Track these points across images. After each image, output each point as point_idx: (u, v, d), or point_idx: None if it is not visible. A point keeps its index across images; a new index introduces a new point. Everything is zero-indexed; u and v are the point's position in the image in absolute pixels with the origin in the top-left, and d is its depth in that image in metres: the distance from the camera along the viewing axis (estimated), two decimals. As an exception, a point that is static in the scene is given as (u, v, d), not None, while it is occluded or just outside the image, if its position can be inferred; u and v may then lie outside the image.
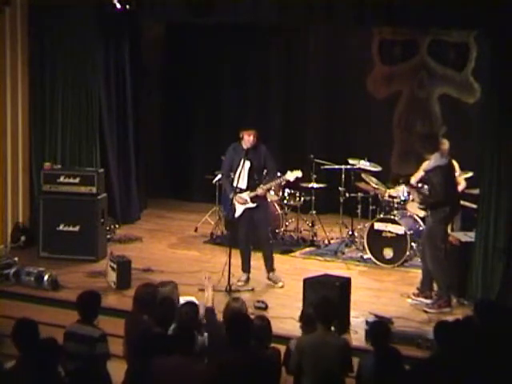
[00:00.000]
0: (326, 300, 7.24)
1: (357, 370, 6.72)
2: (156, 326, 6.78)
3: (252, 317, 6.96)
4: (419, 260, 10.47)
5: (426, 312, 9.34)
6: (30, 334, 6.18)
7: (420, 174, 10.42)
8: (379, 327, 6.96)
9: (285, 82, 14.20)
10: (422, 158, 10.13)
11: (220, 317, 7.25)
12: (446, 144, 11.32)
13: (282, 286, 10.21)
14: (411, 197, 10.80)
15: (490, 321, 6.80)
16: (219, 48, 14.31)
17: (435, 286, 9.63)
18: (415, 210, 10.60)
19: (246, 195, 10.05)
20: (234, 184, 10.07)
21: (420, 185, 10.29)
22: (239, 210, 10.08)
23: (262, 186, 10.12)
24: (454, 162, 11.29)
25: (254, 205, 10.08)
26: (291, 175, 10.27)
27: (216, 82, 14.51)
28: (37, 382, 5.81)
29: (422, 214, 9.99)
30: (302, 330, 7.26)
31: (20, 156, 11.74)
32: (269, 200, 10.78)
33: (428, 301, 9.56)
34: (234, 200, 10.04)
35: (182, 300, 7.65)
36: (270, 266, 10.28)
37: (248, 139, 9.99)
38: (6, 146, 11.53)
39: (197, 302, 8.01)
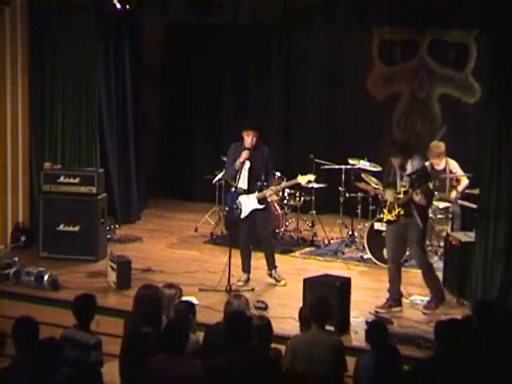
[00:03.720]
0: (320, 299, 7.24)
1: (354, 369, 6.72)
2: (144, 325, 6.76)
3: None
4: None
5: (424, 314, 9.33)
6: (30, 332, 6.18)
7: None
8: (377, 326, 6.97)
9: (285, 82, 14.21)
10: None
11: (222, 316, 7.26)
12: (441, 147, 11.35)
13: (284, 284, 10.19)
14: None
15: (489, 322, 6.80)
16: (219, 48, 14.33)
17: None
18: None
19: (253, 196, 10.03)
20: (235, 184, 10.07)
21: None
22: (246, 210, 10.05)
23: (271, 188, 10.11)
24: (454, 162, 11.35)
25: (261, 206, 10.07)
26: (303, 179, 10.25)
27: (216, 82, 14.53)
28: (34, 382, 5.80)
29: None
30: (300, 329, 7.27)
31: (20, 156, 11.73)
32: (269, 200, 10.77)
33: (424, 298, 9.54)
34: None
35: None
36: (272, 265, 10.27)
37: (247, 139, 9.97)
38: (6, 146, 11.53)
39: (195, 301, 8.02)
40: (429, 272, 9.48)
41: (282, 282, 10.23)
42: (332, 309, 7.33)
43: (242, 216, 10.06)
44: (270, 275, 10.28)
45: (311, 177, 10.36)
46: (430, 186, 9.23)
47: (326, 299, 7.31)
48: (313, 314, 6.98)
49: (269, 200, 10.35)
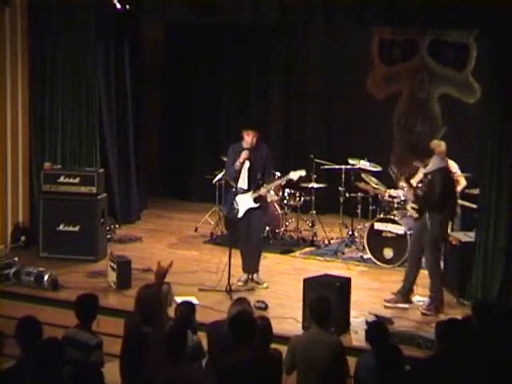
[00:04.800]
0: (320, 299, 7.23)
1: (355, 370, 6.71)
2: (145, 325, 6.75)
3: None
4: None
5: (423, 314, 9.33)
6: (33, 332, 6.18)
7: (420, 176, 10.40)
8: (377, 326, 6.97)
9: (285, 82, 14.21)
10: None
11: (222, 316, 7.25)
12: (442, 146, 11.32)
13: (266, 287, 10.16)
14: (405, 196, 10.64)
15: (489, 322, 6.79)
16: (219, 48, 14.34)
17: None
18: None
19: (249, 196, 10.03)
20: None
21: (420, 185, 10.28)
22: (242, 210, 10.05)
23: (265, 185, 10.11)
24: (452, 162, 11.34)
25: (257, 205, 10.07)
26: (295, 174, 10.26)
27: (216, 82, 14.53)
28: (37, 382, 5.81)
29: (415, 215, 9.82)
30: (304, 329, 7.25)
31: (20, 156, 11.73)
32: (269, 200, 10.76)
33: (424, 298, 9.54)
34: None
35: (179, 300, 7.63)
36: (255, 268, 10.24)
37: (247, 139, 9.97)
38: (6, 146, 11.52)
39: (195, 301, 8.00)
40: (433, 277, 9.45)
41: (264, 285, 10.19)
42: (331, 308, 7.32)
43: (239, 216, 10.06)
44: (251, 279, 10.23)
45: (302, 172, 10.34)
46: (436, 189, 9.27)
47: (326, 299, 7.30)
48: (313, 314, 6.97)
49: (268, 199, 10.32)
